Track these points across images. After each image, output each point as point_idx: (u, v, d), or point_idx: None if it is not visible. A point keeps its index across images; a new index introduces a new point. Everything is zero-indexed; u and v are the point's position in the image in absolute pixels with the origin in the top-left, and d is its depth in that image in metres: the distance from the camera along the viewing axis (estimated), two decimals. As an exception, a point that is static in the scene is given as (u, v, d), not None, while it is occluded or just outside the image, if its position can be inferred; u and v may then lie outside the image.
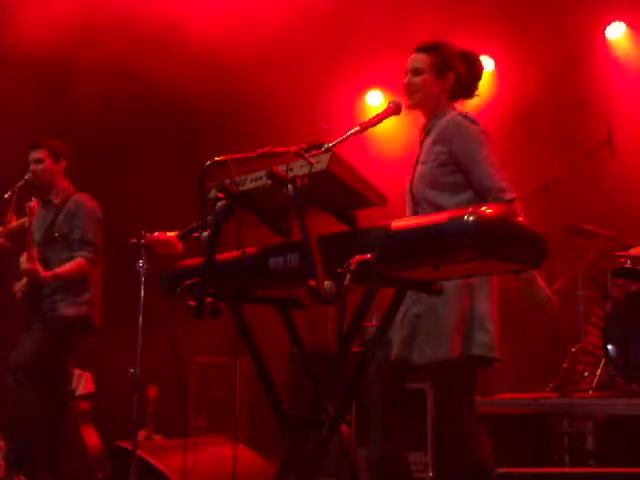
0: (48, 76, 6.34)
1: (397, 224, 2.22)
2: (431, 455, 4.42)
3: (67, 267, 4.63)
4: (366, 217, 2.40)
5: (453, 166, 3.01)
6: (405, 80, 3.15)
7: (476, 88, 3.22)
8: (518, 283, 2.93)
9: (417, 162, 3.13)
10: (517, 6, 6.39)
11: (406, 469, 3.14)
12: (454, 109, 3.15)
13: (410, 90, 3.13)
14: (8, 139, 5.72)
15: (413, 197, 3.11)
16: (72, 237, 4.70)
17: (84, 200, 4.82)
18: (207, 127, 6.52)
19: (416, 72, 3.12)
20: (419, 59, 3.13)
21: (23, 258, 4.60)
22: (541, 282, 2.95)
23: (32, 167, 4.79)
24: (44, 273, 4.55)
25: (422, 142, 3.17)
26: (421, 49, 3.15)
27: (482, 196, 2.95)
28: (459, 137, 3.01)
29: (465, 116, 3.07)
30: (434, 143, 3.06)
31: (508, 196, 2.92)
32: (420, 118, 3.22)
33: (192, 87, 6.24)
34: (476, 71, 3.20)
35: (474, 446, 2.93)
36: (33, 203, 4.53)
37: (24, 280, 4.69)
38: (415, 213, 3.07)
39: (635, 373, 4.68)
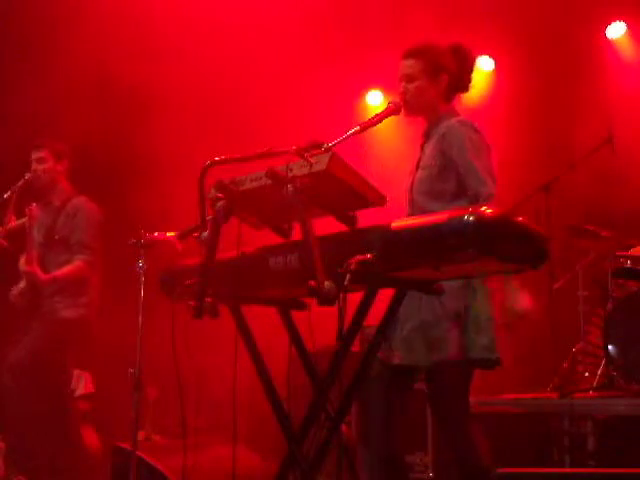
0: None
1: (397, 224, 2.22)
2: (431, 455, 4.43)
3: (66, 270, 4.63)
4: (366, 217, 2.40)
5: (448, 173, 2.99)
6: (400, 88, 3.13)
7: (470, 81, 3.19)
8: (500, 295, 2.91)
9: (417, 167, 3.12)
10: (517, 6, 6.38)
11: (405, 470, 3.14)
12: (455, 113, 3.13)
13: (407, 98, 3.10)
14: (8, 138, 5.70)
15: (410, 201, 3.10)
16: (71, 240, 4.70)
17: (84, 203, 4.83)
18: (205, 128, 6.50)
19: (409, 79, 3.09)
20: (409, 65, 3.10)
21: (22, 260, 4.60)
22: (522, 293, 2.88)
23: (33, 167, 4.78)
24: (43, 276, 4.56)
25: (423, 146, 3.16)
26: (409, 54, 3.11)
27: (474, 201, 2.91)
28: (458, 145, 2.97)
29: (465, 123, 3.04)
30: (434, 149, 3.05)
31: (487, 191, 2.88)
32: (420, 122, 3.21)
33: (189, 88, 6.23)
34: (468, 64, 3.17)
35: (469, 446, 2.93)
36: (34, 207, 4.53)
37: (23, 283, 4.69)
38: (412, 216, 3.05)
39: (636, 373, 4.67)
